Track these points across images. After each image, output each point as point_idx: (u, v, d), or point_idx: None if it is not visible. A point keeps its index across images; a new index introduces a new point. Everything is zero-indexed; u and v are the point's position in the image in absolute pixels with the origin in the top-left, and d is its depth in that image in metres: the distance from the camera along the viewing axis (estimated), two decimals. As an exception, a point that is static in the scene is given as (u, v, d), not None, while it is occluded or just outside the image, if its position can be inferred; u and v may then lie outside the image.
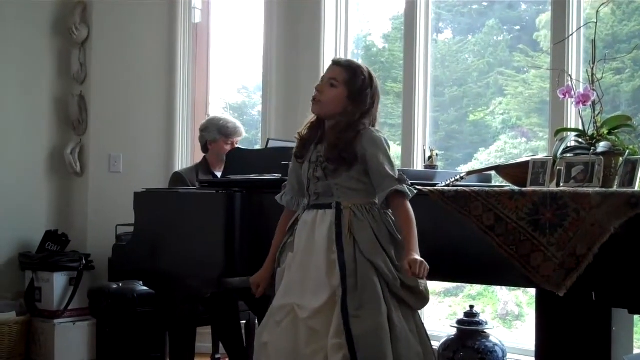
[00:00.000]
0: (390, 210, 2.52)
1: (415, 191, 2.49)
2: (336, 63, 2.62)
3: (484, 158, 4.45)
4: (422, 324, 2.57)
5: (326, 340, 2.36)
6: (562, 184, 2.65)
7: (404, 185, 2.46)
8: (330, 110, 2.56)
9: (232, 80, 5.66)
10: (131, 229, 3.63)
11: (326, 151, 2.52)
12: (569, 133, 2.91)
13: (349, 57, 4.80)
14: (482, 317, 3.66)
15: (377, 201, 2.51)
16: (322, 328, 2.38)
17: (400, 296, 2.45)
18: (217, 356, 4.26)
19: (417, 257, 2.35)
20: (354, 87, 2.54)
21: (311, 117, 2.66)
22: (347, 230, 2.45)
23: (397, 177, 2.47)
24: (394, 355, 2.36)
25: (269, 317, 2.52)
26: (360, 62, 2.71)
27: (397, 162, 4.43)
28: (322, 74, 4.64)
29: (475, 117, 4.60)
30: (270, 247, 2.75)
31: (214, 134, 4.15)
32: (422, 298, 2.52)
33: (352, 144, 2.49)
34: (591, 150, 2.65)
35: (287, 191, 2.72)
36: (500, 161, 3.37)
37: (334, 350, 2.33)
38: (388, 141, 2.57)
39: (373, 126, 2.59)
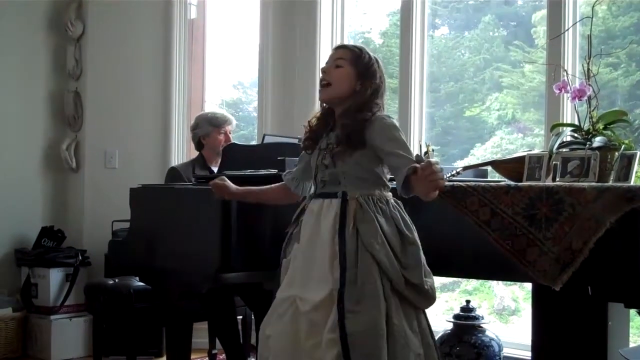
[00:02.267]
0: (411, 193, 2.33)
1: None
2: (340, 46, 2.62)
3: (480, 153, 4.45)
4: (428, 325, 2.47)
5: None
6: (558, 179, 2.65)
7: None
8: (340, 92, 2.49)
9: (228, 76, 5.66)
10: (127, 225, 3.63)
11: (337, 134, 2.46)
12: (564, 128, 2.91)
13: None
14: (478, 312, 3.66)
15: (397, 188, 2.37)
16: (322, 321, 2.32)
17: (403, 294, 2.36)
18: (214, 351, 4.27)
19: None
20: (360, 64, 2.49)
21: (319, 108, 2.60)
22: (351, 222, 2.37)
23: (414, 158, 2.32)
24: (389, 354, 2.28)
25: (272, 308, 2.48)
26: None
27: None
28: (318, 71, 4.71)
29: (471, 112, 4.61)
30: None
31: (205, 127, 4.15)
32: (428, 297, 2.42)
33: (362, 127, 2.41)
34: (587, 145, 2.65)
35: (292, 171, 2.71)
36: (497, 156, 3.37)
37: (328, 345, 2.28)
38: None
39: (382, 108, 2.52)
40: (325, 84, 2.51)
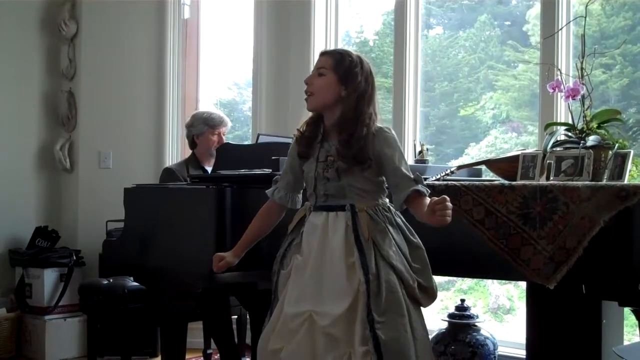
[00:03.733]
0: (405, 209, 2.42)
1: (429, 190, 2.41)
2: (322, 53, 2.55)
3: (475, 153, 4.46)
4: None
5: (346, 348, 2.30)
6: (552, 178, 2.66)
7: (420, 185, 2.38)
8: (324, 99, 2.46)
9: (222, 76, 5.65)
10: (121, 225, 3.62)
11: (339, 149, 2.43)
12: (558, 127, 2.91)
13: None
14: (473, 311, 3.67)
15: (393, 201, 2.42)
16: (342, 335, 2.31)
17: (416, 298, 2.40)
18: (209, 351, 4.26)
19: None
20: (341, 69, 2.45)
21: (309, 114, 2.57)
22: (366, 233, 2.37)
23: (414, 177, 2.39)
24: (415, 357, 2.33)
25: (282, 324, 2.43)
26: (349, 49, 2.61)
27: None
28: (312, 70, 4.71)
29: (465, 112, 4.61)
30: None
31: (200, 127, 4.14)
32: (433, 296, 2.47)
33: (365, 143, 2.40)
34: (581, 144, 2.66)
35: (280, 187, 2.62)
36: (491, 156, 3.38)
37: (360, 357, 2.27)
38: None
39: (376, 116, 2.48)
40: (309, 94, 2.50)
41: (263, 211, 2.67)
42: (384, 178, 2.47)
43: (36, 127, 5.15)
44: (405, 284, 2.37)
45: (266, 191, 2.67)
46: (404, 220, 2.49)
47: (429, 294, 2.45)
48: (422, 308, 2.46)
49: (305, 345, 2.35)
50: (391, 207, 2.48)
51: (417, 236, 2.48)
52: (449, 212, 2.20)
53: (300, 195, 2.66)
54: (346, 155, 2.41)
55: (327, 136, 2.51)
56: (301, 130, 2.57)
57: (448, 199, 2.20)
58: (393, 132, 2.49)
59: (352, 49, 4.99)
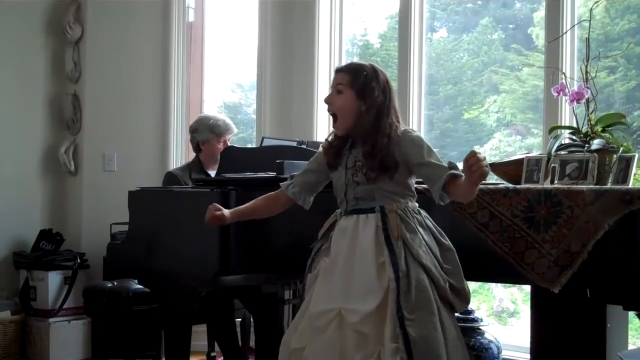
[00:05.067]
0: (448, 199, 2.42)
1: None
2: (337, 70, 2.61)
3: (479, 156, 4.44)
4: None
5: (375, 346, 2.32)
6: (556, 181, 2.65)
7: (455, 169, 2.38)
8: (349, 121, 2.52)
9: (226, 79, 5.65)
10: (126, 228, 3.63)
11: (365, 160, 2.48)
12: (563, 130, 2.91)
13: (343, 56, 4.83)
14: (477, 314, 3.66)
15: (433, 194, 2.43)
16: (372, 332, 2.34)
17: (447, 299, 2.43)
18: (213, 354, 4.26)
19: None
20: (358, 85, 2.50)
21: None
22: (396, 233, 2.41)
23: (447, 165, 2.41)
24: (447, 356, 2.35)
25: (306, 323, 2.46)
26: (363, 62, 2.63)
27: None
28: (316, 73, 4.72)
29: (469, 115, 4.61)
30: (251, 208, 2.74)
31: (205, 134, 4.09)
32: (466, 300, 2.50)
33: (389, 151, 2.46)
34: (585, 148, 2.66)
35: (296, 183, 2.67)
36: (495, 159, 3.37)
37: (390, 354, 2.29)
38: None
39: (398, 122, 2.54)
40: (332, 115, 2.56)
41: (271, 196, 2.73)
42: (418, 177, 2.52)
43: (41, 129, 5.16)
44: (436, 284, 2.40)
45: (281, 183, 2.71)
46: (434, 223, 2.53)
47: (462, 296, 2.47)
48: (458, 312, 2.51)
49: (334, 342, 2.37)
50: (421, 211, 2.53)
51: (447, 238, 2.51)
52: (484, 162, 2.20)
53: (312, 198, 2.70)
54: (372, 165, 2.46)
55: (354, 144, 2.57)
56: (329, 140, 2.63)
57: (475, 150, 2.22)
58: (416, 131, 2.57)
59: (354, 53, 5.02)
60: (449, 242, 2.51)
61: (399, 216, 2.44)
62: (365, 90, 2.50)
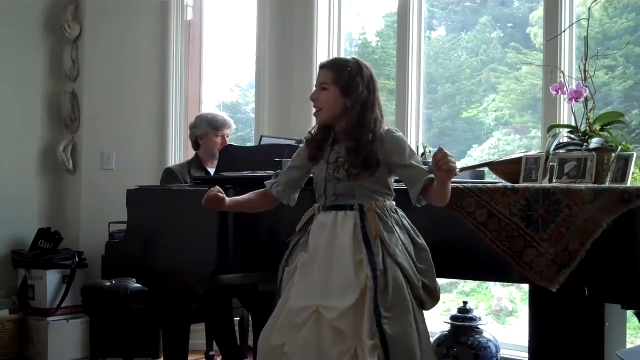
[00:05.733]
0: (424, 202, 2.47)
1: None
2: (322, 67, 2.62)
3: (478, 155, 4.46)
4: None
5: (352, 342, 2.34)
6: (554, 180, 2.65)
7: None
8: (332, 113, 2.54)
9: (225, 78, 5.65)
10: (124, 227, 3.62)
11: (348, 156, 2.50)
12: (561, 129, 2.91)
13: (342, 55, 4.82)
14: (475, 313, 3.66)
15: (410, 196, 2.47)
16: (349, 329, 2.36)
17: (421, 298, 2.46)
18: (211, 353, 4.27)
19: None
20: (343, 81, 2.52)
21: (312, 117, 2.66)
22: (374, 232, 2.44)
23: (427, 168, 2.45)
24: (420, 353, 2.38)
25: (286, 319, 2.47)
26: (348, 57, 2.65)
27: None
28: (315, 72, 4.71)
29: (468, 114, 4.61)
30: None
31: (204, 128, 4.14)
32: (436, 299, 2.53)
33: (373, 149, 2.48)
34: (584, 147, 2.66)
35: (280, 182, 2.69)
36: (494, 158, 3.37)
37: (368, 351, 2.31)
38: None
39: (382, 117, 2.56)
40: (317, 110, 2.58)
41: (260, 193, 2.74)
42: (397, 177, 2.54)
43: (39, 128, 5.16)
44: (410, 283, 2.42)
45: (265, 182, 2.73)
46: (410, 222, 2.55)
47: (433, 296, 2.50)
48: (427, 310, 2.52)
49: (312, 339, 2.38)
50: (398, 210, 2.55)
51: (422, 238, 2.54)
52: (451, 158, 2.24)
53: (297, 195, 2.72)
54: (355, 161, 2.48)
55: (337, 139, 2.58)
56: (313, 133, 2.64)
57: (442, 148, 2.25)
58: (399, 131, 2.57)
59: (353, 52, 5.02)
60: (424, 242, 2.54)
61: (377, 215, 2.47)
62: (349, 87, 2.51)
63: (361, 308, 2.37)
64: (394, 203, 2.56)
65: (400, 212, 2.55)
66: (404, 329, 2.36)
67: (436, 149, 2.27)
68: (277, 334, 2.47)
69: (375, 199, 2.50)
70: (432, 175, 2.37)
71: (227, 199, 2.66)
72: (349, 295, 2.39)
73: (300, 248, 2.57)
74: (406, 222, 2.54)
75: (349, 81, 2.52)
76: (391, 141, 2.50)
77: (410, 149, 2.51)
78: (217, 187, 2.65)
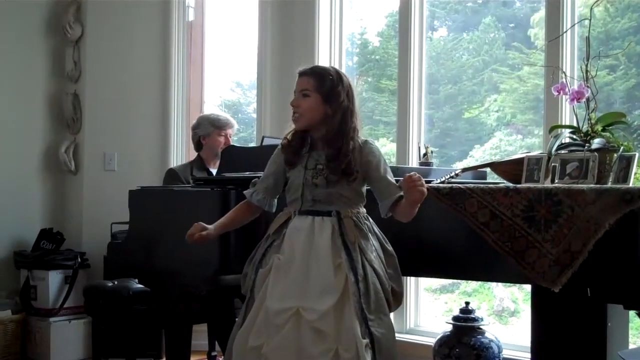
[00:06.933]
0: (389, 215, 2.57)
1: None
2: (302, 74, 2.63)
3: (479, 155, 4.45)
4: None
5: (333, 343, 2.38)
6: (556, 181, 2.65)
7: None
8: (312, 120, 2.58)
9: (226, 78, 5.65)
10: (126, 227, 3.63)
11: (327, 163, 2.54)
12: (563, 130, 2.91)
13: (343, 55, 4.83)
14: (477, 314, 3.66)
15: (380, 207, 2.56)
16: (329, 330, 2.39)
17: (390, 301, 2.54)
18: (213, 353, 4.27)
19: None
20: (325, 89, 2.56)
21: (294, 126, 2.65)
22: (353, 238, 2.49)
23: (398, 184, 2.52)
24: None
25: (263, 320, 2.48)
26: (326, 65, 2.72)
27: (393, 160, 4.44)
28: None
29: (470, 114, 4.61)
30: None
31: (206, 128, 4.15)
32: (400, 302, 2.64)
33: (352, 157, 2.53)
34: (586, 147, 2.66)
35: (258, 190, 2.71)
36: (495, 158, 3.37)
37: (364, 348, 2.37)
38: None
39: (360, 126, 2.61)
40: (297, 115, 2.60)
41: (243, 206, 2.76)
42: (370, 187, 2.61)
43: (41, 129, 5.16)
44: (383, 287, 2.51)
45: (244, 192, 2.75)
46: (379, 230, 2.63)
47: (398, 299, 2.61)
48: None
49: (291, 339, 2.41)
50: (369, 217, 2.62)
51: (390, 245, 2.62)
52: (420, 181, 2.37)
53: (276, 200, 2.75)
54: (335, 168, 2.53)
55: (315, 146, 2.62)
56: (288, 138, 2.66)
57: (415, 172, 2.40)
58: (376, 143, 2.67)
59: (355, 52, 5.02)
60: (392, 248, 2.61)
61: (353, 222, 2.53)
62: (331, 95, 2.55)
63: (342, 310, 2.43)
64: (365, 210, 2.62)
65: (371, 220, 2.61)
66: (387, 330, 2.47)
67: (411, 172, 2.41)
68: (254, 335, 2.48)
69: (350, 206, 2.56)
70: (402, 193, 2.46)
71: (210, 228, 2.67)
72: (327, 298, 2.43)
73: (274, 250, 2.60)
74: (377, 229, 2.61)
75: (331, 89, 2.56)
76: (369, 152, 2.57)
77: (385, 162, 2.60)
78: (198, 227, 2.65)
